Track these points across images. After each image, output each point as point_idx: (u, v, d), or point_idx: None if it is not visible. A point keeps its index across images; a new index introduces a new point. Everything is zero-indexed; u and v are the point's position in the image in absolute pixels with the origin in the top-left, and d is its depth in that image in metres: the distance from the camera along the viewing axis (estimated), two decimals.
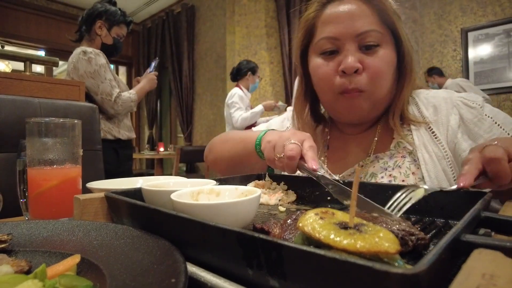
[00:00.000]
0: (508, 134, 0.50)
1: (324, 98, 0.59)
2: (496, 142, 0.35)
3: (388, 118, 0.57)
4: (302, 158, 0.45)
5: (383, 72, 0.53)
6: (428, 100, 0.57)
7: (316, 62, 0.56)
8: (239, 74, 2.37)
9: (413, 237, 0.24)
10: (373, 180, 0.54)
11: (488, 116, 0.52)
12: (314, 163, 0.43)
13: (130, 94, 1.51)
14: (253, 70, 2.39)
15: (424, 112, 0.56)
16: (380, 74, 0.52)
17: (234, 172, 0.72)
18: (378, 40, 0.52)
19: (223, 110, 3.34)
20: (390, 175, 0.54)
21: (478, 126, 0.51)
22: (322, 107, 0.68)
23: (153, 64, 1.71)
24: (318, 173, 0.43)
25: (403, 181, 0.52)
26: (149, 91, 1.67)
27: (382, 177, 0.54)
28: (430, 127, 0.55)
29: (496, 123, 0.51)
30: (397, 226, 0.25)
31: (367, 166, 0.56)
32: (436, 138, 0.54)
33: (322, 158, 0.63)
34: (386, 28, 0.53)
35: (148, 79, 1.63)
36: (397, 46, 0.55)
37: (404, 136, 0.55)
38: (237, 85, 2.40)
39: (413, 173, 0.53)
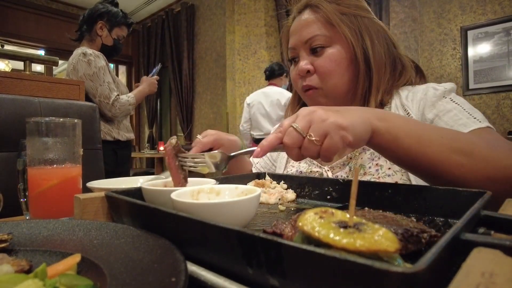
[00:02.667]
0: (464, 109, 0.51)
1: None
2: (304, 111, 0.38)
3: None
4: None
5: (332, 70, 0.59)
6: (409, 92, 0.60)
7: (291, 67, 0.67)
8: (274, 74, 2.43)
9: (426, 235, 0.24)
10: (362, 171, 0.56)
11: (450, 99, 0.54)
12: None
13: (129, 98, 1.50)
14: (288, 72, 2.46)
15: (404, 102, 0.59)
16: (329, 71, 0.59)
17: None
18: (324, 42, 0.59)
19: (223, 109, 3.33)
20: (376, 164, 0.55)
21: (432, 101, 0.54)
22: None
23: (154, 69, 1.70)
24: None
25: (389, 168, 0.54)
26: (149, 94, 1.66)
27: (369, 167, 0.56)
28: (408, 112, 0.57)
29: (452, 100, 0.53)
30: (410, 224, 0.25)
31: (355, 158, 0.59)
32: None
33: None
34: (334, 30, 0.59)
35: (148, 82, 1.61)
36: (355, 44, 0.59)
37: None
38: (274, 84, 2.41)
39: None
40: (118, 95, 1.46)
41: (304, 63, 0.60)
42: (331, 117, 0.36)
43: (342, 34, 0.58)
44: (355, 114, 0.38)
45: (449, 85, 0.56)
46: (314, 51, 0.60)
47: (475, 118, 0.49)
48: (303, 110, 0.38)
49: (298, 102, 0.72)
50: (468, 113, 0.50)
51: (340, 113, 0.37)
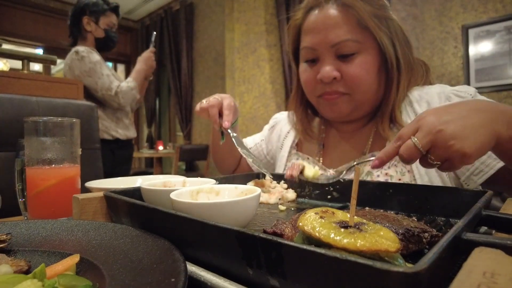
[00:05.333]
0: None
1: (309, 99, 0.63)
2: (419, 117, 0.35)
3: (377, 122, 0.57)
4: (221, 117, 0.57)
5: (362, 78, 0.53)
6: (421, 97, 0.57)
7: (302, 67, 0.60)
8: None
9: (427, 234, 0.24)
10: (369, 179, 0.55)
11: None
12: (227, 122, 0.56)
13: (128, 83, 1.46)
14: None
15: (417, 109, 0.56)
16: (359, 80, 0.53)
17: (223, 163, 0.77)
18: (355, 48, 0.52)
19: None
20: (386, 173, 0.54)
21: None
22: None
23: (152, 39, 1.59)
24: (230, 132, 0.56)
25: (399, 179, 0.52)
26: (149, 72, 1.54)
27: (378, 176, 0.54)
28: None
29: None
30: (411, 224, 0.25)
31: (363, 164, 0.57)
32: None
33: (317, 157, 0.64)
34: (365, 34, 0.53)
35: (144, 59, 1.52)
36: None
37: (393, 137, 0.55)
38: None
39: (408, 171, 0.52)
40: (119, 84, 1.43)
41: (330, 69, 0.53)
42: (457, 143, 0.32)
43: (376, 40, 0.53)
44: (481, 130, 0.33)
45: (472, 90, 0.52)
46: (344, 57, 0.53)
47: None
48: (426, 122, 0.34)
49: (301, 102, 0.66)
50: None
51: (465, 134, 0.32)
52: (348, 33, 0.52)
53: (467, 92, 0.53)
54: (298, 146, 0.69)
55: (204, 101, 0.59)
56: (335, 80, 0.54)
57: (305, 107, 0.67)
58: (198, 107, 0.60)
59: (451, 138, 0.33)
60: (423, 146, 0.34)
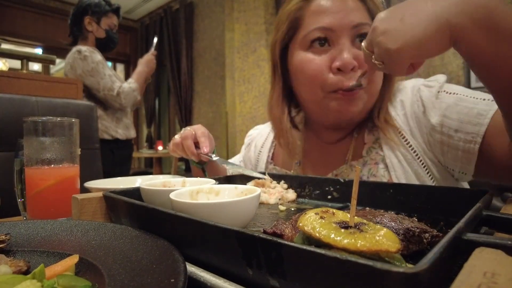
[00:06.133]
0: (466, 95, 0.45)
1: (310, 98, 0.54)
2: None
3: (373, 118, 0.54)
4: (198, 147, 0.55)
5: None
6: (394, 96, 0.55)
7: (305, 57, 0.51)
8: None
9: (427, 235, 0.24)
10: None
11: (445, 91, 0.48)
12: (206, 148, 0.54)
13: (130, 84, 1.48)
14: None
15: (390, 111, 0.54)
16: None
17: None
18: None
19: (222, 108, 3.32)
20: None
21: (432, 102, 0.48)
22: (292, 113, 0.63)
23: (154, 42, 1.63)
24: (211, 156, 0.54)
25: None
26: (150, 74, 1.58)
27: None
28: (398, 129, 0.52)
29: (448, 92, 0.47)
30: (412, 224, 0.25)
31: (342, 175, 0.55)
32: (404, 139, 0.51)
33: (296, 173, 0.61)
34: None
35: (145, 61, 1.56)
36: None
37: (388, 135, 0.52)
38: None
39: (388, 180, 0.51)
40: (121, 85, 1.44)
41: (350, 56, 0.47)
42: (383, 38, 0.30)
43: None
44: (422, 23, 0.28)
45: (441, 78, 0.50)
46: (362, 40, 0.47)
47: (483, 99, 0.43)
48: (373, 21, 0.33)
49: (284, 107, 0.58)
50: (473, 97, 0.44)
51: (398, 27, 0.29)
52: (365, 18, 0.50)
53: (437, 80, 0.51)
54: (274, 160, 0.66)
55: (176, 136, 0.57)
56: (352, 71, 0.48)
57: (288, 116, 0.59)
58: (171, 144, 0.57)
59: (380, 34, 0.31)
60: (365, 47, 0.33)
